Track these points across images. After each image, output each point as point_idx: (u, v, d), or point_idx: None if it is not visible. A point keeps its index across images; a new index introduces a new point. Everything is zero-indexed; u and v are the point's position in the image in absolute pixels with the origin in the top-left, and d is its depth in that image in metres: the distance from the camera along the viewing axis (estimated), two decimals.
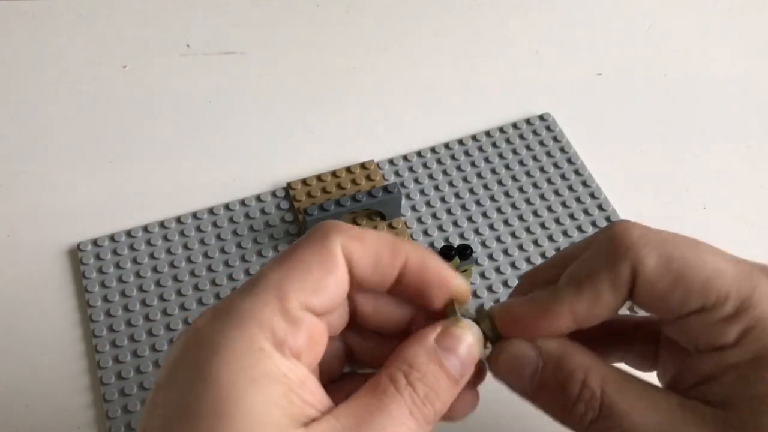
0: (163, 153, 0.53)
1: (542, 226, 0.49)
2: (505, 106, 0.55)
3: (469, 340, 0.28)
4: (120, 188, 0.51)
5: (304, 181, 0.50)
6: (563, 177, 0.51)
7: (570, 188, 0.51)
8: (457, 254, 0.44)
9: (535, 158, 0.52)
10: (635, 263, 0.28)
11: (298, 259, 0.27)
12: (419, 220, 0.49)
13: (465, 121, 0.55)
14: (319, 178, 0.50)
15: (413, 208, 0.50)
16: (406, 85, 0.57)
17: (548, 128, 0.54)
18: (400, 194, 0.47)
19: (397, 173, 0.52)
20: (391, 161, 0.52)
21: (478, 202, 0.50)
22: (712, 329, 0.28)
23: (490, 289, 0.46)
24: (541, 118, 0.54)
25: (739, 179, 0.52)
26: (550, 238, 0.49)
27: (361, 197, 0.47)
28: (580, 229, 0.49)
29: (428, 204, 0.50)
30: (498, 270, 0.47)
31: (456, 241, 0.48)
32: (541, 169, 0.52)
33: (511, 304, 0.30)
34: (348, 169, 0.51)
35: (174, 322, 0.45)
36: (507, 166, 0.52)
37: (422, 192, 0.51)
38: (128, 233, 0.48)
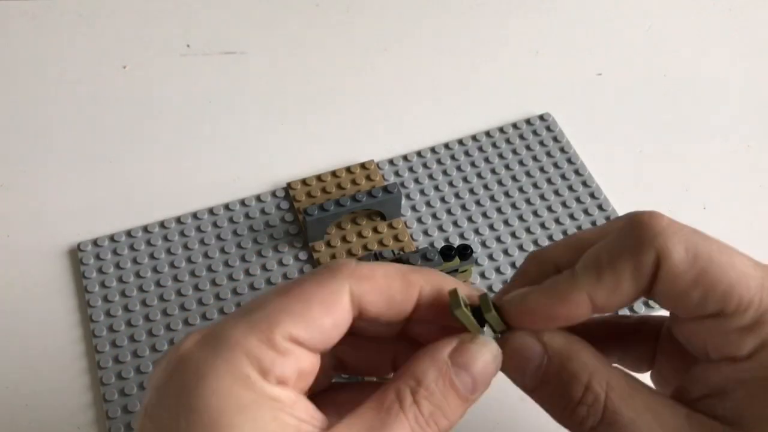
0: (163, 153, 0.53)
1: (542, 226, 0.49)
2: (505, 106, 0.55)
3: (485, 357, 0.27)
4: (120, 188, 0.51)
5: (304, 181, 0.50)
6: (563, 177, 0.51)
7: (570, 188, 0.51)
8: (457, 254, 0.44)
9: (535, 158, 0.52)
10: (661, 252, 0.26)
11: (301, 293, 0.27)
12: (419, 220, 0.49)
13: (465, 121, 0.55)
14: (319, 178, 0.50)
15: (413, 208, 0.50)
16: (406, 85, 0.57)
17: (548, 128, 0.54)
18: (400, 194, 0.47)
19: (397, 173, 0.52)
20: (391, 161, 0.52)
21: (478, 202, 0.50)
22: (726, 337, 0.26)
23: (490, 289, 0.46)
24: (541, 118, 0.54)
25: (739, 179, 0.52)
26: (550, 238, 0.49)
27: (361, 197, 0.47)
28: (580, 229, 0.49)
29: (428, 204, 0.50)
30: (498, 270, 0.47)
31: (456, 241, 0.48)
32: (541, 169, 0.52)
33: (525, 294, 0.28)
34: (348, 169, 0.51)
35: (174, 322, 0.45)
36: (507, 166, 0.52)
37: (422, 192, 0.51)
38: (128, 233, 0.48)
